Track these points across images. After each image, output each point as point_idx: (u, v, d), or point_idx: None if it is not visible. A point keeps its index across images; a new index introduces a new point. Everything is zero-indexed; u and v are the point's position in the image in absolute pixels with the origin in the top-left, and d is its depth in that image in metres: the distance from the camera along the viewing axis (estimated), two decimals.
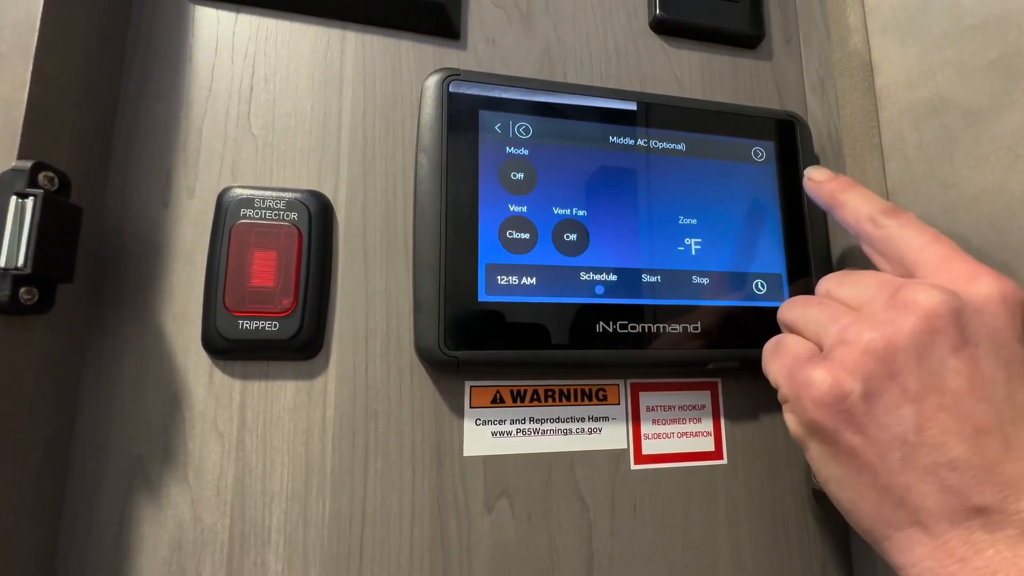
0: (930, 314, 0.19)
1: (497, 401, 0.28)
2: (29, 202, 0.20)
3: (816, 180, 0.27)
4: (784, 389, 0.22)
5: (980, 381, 0.19)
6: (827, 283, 0.24)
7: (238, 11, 0.29)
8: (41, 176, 0.20)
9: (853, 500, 0.21)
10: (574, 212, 0.29)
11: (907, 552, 0.19)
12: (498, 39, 0.32)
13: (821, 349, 0.22)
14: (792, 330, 0.24)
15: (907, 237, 0.23)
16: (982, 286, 0.20)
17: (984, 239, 0.26)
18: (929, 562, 0.19)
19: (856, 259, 0.32)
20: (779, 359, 0.23)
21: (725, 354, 0.29)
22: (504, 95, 0.29)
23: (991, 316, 0.20)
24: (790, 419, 0.23)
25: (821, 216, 0.34)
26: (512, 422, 0.28)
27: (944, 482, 0.18)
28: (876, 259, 0.24)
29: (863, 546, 0.31)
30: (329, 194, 0.28)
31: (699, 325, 0.29)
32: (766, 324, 0.27)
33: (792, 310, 0.25)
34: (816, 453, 0.22)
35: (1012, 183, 0.25)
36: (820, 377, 0.20)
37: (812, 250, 0.32)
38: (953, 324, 0.19)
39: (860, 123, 0.32)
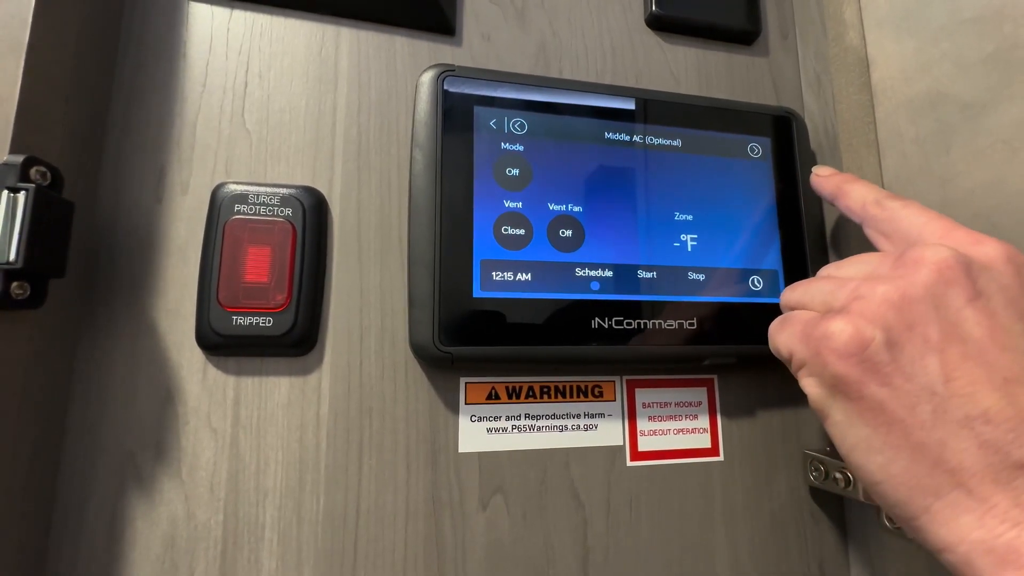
0: (941, 266, 0.19)
1: (492, 397, 0.28)
2: (21, 196, 0.20)
3: (821, 175, 0.29)
4: (800, 351, 0.22)
5: (1000, 330, 0.18)
6: (827, 268, 0.24)
7: (232, 7, 0.29)
8: (33, 171, 0.20)
9: (885, 465, 0.19)
10: (569, 208, 0.29)
11: (951, 524, 0.18)
12: (493, 35, 0.32)
13: None
14: (797, 308, 0.24)
15: (910, 216, 0.23)
16: (987, 247, 0.20)
17: (981, 232, 0.25)
18: (979, 532, 0.17)
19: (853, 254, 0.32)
20: (789, 327, 0.23)
21: (721, 350, 0.29)
22: (499, 91, 0.29)
23: (999, 273, 0.20)
24: (810, 383, 0.22)
25: (817, 212, 0.34)
26: (507, 419, 0.28)
27: (981, 436, 0.17)
28: (879, 240, 0.24)
29: (861, 543, 0.31)
30: (324, 190, 0.28)
31: (695, 321, 0.29)
32: (763, 320, 0.27)
33: (795, 291, 0.25)
34: (840, 416, 0.20)
35: (1009, 177, 0.25)
36: (840, 327, 0.20)
37: (808, 246, 0.32)
38: (964, 275, 0.19)
39: (856, 118, 0.32)
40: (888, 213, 0.24)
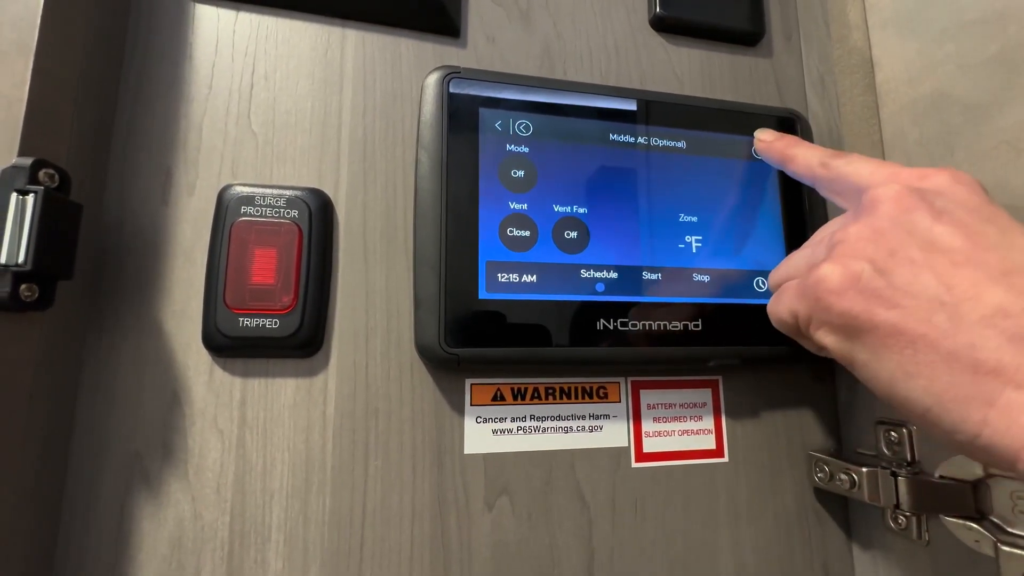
0: (896, 197, 0.21)
1: (498, 399, 0.28)
2: (29, 199, 0.20)
3: (765, 140, 0.29)
4: (801, 307, 0.23)
5: (975, 235, 0.19)
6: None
7: (238, 9, 0.29)
8: (41, 173, 0.20)
9: (928, 387, 0.18)
10: (574, 210, 0.29)
11: (1013, 427, 0.16)
12: (498, 37, 0.32)
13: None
14: (784, 281, 0.26)
15: (856, 169, 0.24)
16: (933, 178, 0.21)
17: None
18: None
19: None
20: (784, 294, 0.24)
21: (726, 351, 0.29)
22: (504, 92, 0.29)
23: (952, 193, 0.21)
24: (823, 333, 0.22)
25: (822, 213, 0.34)
26: (513, 420, 0.28)
27: (1007, 331, 0.17)
28: (836, 199, 0.26)
29: (865, 544, 0.31)
30: (329, 192, 0.28)
31: (700, 323, 0.29)
32: (767, 322, 0.27)
33: (778, 270, 0.27)
34: (865, 354, 0.20)
35: (1013, 178, 0.25)
36: (828, 269, 0.21)
37: None
38: (921, 200, 0.20)
39: (861, 119, 0.32)
40: (834, 171, 0.25)
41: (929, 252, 0.19)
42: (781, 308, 0.24)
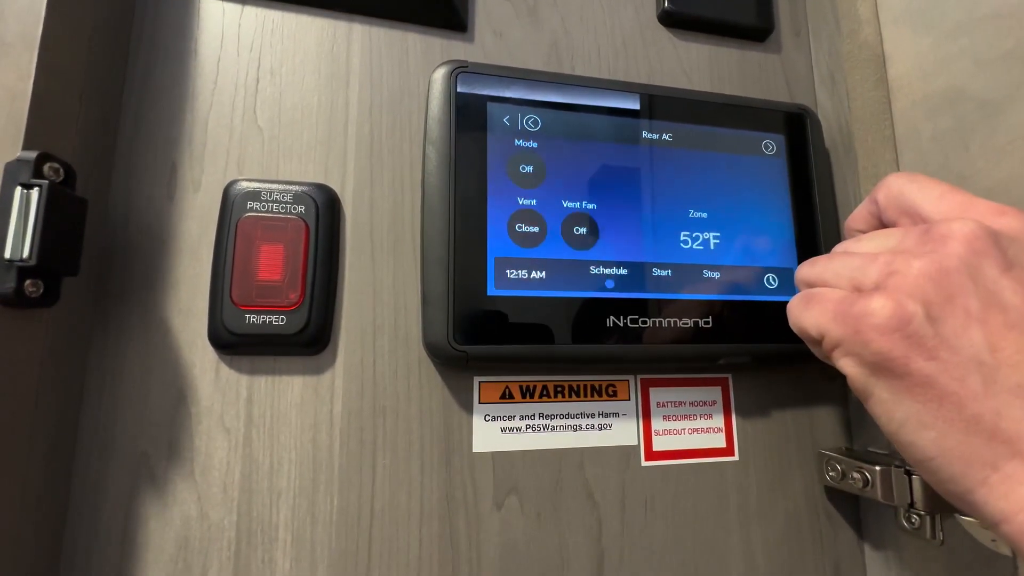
0: (971, 238, 0.19)
1: (506, 397, 0.28)
2: (34, 193, 0.19)
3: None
4: (835, 331, 0.21)
5: None
6: (844, 244, 0.23)
7: (244, 3, 0.28)
8: (46, 167, 0.20)
9: (938, 440, 0.18)
10: (583, 205, 0.28)
11: (1011, 495, 0.17)
12: (506, 32, 0.32)
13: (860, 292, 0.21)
14: (818, 285, 0.23)
15: (922, 189, 0.22)
16: (1010, 219, 0.20)
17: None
18: None
19: None
20: (818, 305, 0.22)
21: (736, 349, 0.29)
22: (513, 87, 0.29)
23: None
24: (848, 363, 0.21)
25: (832, 209, 0.33)
26: (521, 418, 0.28)
27: None
28: (892, 219, 0.23)
29: (877, 544, 0.31)
30: (336, 187, 0.28)
31: (710, 320, 0.29)
32: (778, 319, 0.27)
33: (815, 266, 0.23)
34: (886, 394, 0.19)
35: None
36: (880, 304, 0.19)
37: (824, 244, 0.31)
38: (994, 246, 0.19)
39: (872, 115, 0.31)
40: (896, 189, 0.23)
41: (987, 306, 0.18)
42: (808, 321, 0.22)
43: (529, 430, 0.28)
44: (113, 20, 0.25)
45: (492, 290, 0.26)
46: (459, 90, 0.28)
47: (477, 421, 0.27)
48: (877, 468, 0.28)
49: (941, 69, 0.28)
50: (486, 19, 0.32)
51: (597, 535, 0.28)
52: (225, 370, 0.25)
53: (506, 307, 0.26)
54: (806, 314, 0.22)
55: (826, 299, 0.22)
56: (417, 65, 0.30)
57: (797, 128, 0.33)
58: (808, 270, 0.24)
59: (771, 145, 0.32)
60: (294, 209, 0.26)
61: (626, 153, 0.30)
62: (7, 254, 0.19)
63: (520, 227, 0.27)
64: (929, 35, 0.28)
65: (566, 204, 0.28)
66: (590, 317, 0.27)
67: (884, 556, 0.30)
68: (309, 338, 0.25)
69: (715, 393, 0.31)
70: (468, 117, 0.28)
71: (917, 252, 0.20)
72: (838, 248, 0.24)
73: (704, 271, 0.30)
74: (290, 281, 0.25)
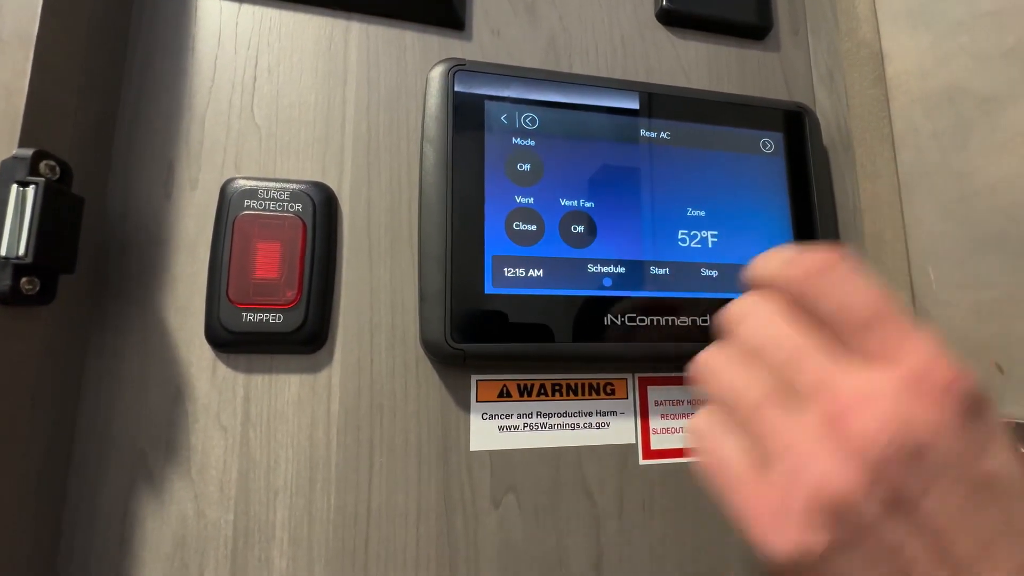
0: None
1: (504, 395, 0.28)
2: (30, 190, 0.19)
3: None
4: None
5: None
6: (747, 324, 0.17)
7: (241, 2, 0.28)
8: (42, 165, 0.20)
9: None
10: (581, 204, 0.28)
11: None
12: (503, 30, 0.32)
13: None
14: (715, 387, 0.18)
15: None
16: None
17: (1000, 228, 0.25)
18: None
19: (870, 251, 0.32)
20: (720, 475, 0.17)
21: None
22: (510, 85, 0.29)
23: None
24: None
25: (831, 207, 0.33)
26: (519, 416, 0.28)
27: None
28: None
29: None
30: (333, 186, 0.27)
31: (708, 318, 0.29)
32: None
33: (715, 369, 0.18)
34: None
35: None
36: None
37: (822, 242, 0.31)
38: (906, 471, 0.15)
39: (870, 113, 0.31)
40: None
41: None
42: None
43: (527, 428, 0.28)
44: (110, 18, 0.25)
45: (490, 288, 0.26)
46: (457, 88, 0.28)
47: (475, 419, 0.27)
48: None
49: (940, 66, 0.28)
50: (484, 17, 0.31)
51: (595, 533, 0.28)
52: (222, 368, 0.25)
53: (504, 305, 0.26)
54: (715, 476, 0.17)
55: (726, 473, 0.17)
56: (415, 63, 0.30)
57: (795, 126, 0.33)
58: (711, 365, 0.18)
59: (769, 143, 0.32)
60: (291, 207, 0.26)
61: (624, 151, 0.30)
62: (3, 251, 0.19)
63: (518, 225, 0.27)
64: (928, 33, 0.28)
65: (564, 202, 0.28)
66: (588, 315, 0.27)
67: None
68: (306, 336, 0.25)
69: None
70: (466, 115, 0.28)
71: (812, 458, 0.15)
72: (737, 319, 0.18)
73: (702, 269, 0.29)
74: (287, 279, 0.25)
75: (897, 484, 0.15)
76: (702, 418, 0.17)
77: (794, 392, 0.16)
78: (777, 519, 0.15)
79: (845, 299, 0.16)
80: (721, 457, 0.17)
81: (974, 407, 0.15)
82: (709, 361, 0.18)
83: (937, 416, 0.15)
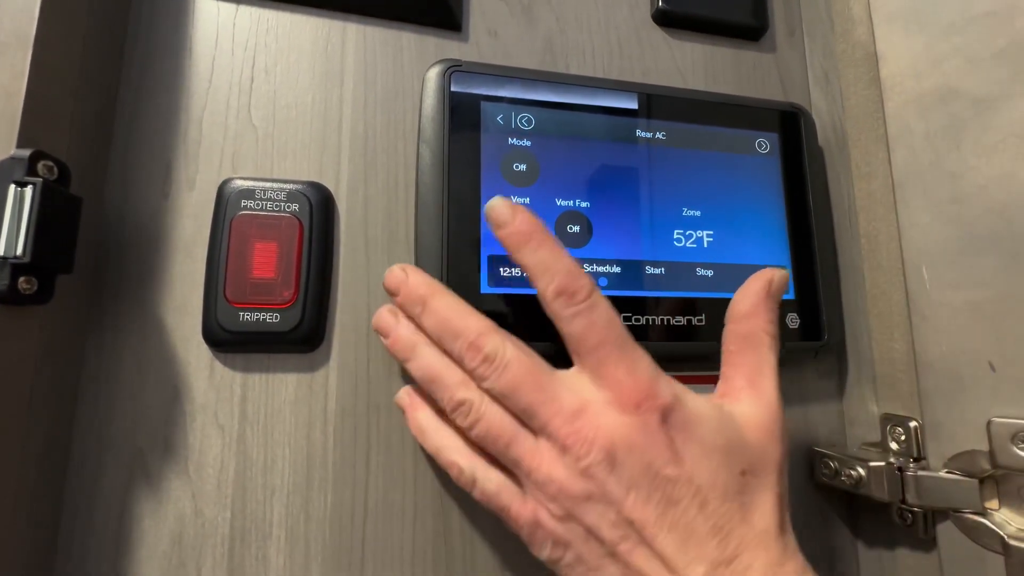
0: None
1: None
2: (28, 190, 0.19)
3: (498, 225, 0.23)
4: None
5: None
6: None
7: (238, 2, 0.28)
8: (40, 165, 0.20)
9: None
10: (577, 204, 0.29)
11: None
12: (500, 31, 0.32)
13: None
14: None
15: (579, 338, 0.22)
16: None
17: (993, 229, 0.25)
18: None
19: (866, 251, 0.32)
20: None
21: None
22: (506, 86, 0.29)
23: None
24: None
25: (826, 208, 0.33)
26: None
27: None
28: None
29: (871, 541, 0.31)
30: (330, 186, 0.28)
31: (703, 317, 0.29)
32: None
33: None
34: None
35: (1021, 171, 0.25)
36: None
37: (817, 242, 0.32)
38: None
39: (865, 114, 0.32)
40: (565, 328, 0.22)
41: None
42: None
43: None
44: (108, 19, 0.25)
45: (485, 288, 0.26)
46: (453, 89, 0.28)
47: None
48: (870, 464, 0.28)
49: (934, 68, 0.28)
50: (480, 18, 0.32)
51: None
52: (219, 367, 0.25)
53: (499, 305, 0.26)
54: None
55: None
56: (411, 64, 0.30)
57: (791, 127, 0.33)
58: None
59: (765, 144, 0.32)
60: (288, 207, 0.26)
61: (620, 151, 0.30)
62: (1, 251, 0.19)
63: None
64: (922, 34, 0.29)
65: (560, 202, 0.28)
66: None
67: (878, 553, 0.31)
68: (303, 336, 0.25)
69: (709, 391, 0.31)
70: (462, 116, 0.28)
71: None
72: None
73: (698, 269, 0.30)
74: (284, 279, 0.25)
75: (604, 489, 0.20)
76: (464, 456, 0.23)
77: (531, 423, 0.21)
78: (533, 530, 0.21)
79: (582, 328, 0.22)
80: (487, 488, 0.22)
81: (664, 415, 0.21)
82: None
83: (634, 425, 0.20)
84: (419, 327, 0.24)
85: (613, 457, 0.20)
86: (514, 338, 0.23)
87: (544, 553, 0.21)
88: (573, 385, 0.22)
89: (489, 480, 0.22)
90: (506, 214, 0.23)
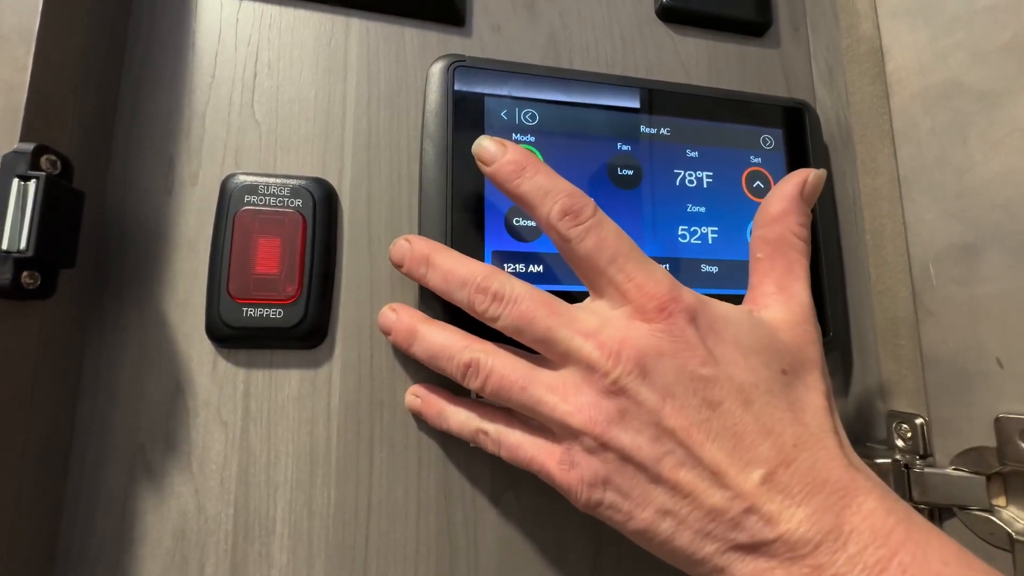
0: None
1: None
2: (31, 185, 0.19)
3: (486, 162, 0.23)
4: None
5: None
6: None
7: None
8: (43, 159, 0.20)
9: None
10: None
11: None
12: (503, 26, 0.32)
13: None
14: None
15: (590, 256, 0.21)
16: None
17: (999, 223, 0.25)
18: None
19: (871, 247, 0.32)
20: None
21: None
22: (510, 81, 0.29)
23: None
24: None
25: (831, 204, 0.33)
26: None
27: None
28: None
29: None
30: (334, 181, 0.28)
31: None
32: None
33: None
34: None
35: None
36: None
37: (822, 238, 0.31)
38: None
39: (870, 110, 0.31)
40: (568, 248, 0.21)
41: None
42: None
43: None
44: (110, 13, 0.25)
45: None
46: (456, 84, 0.28)
47: None
48: (876, 462, 0.28)
49: (939, 62, 0.28)
50: (484, 13, 0.32)
51: (595, 530, 0.28)
52: (222, 363, 0.25)
53: None
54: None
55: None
56: (414, 59, 0.30)
57: (795, 123, 0.33)
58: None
59: (770, 140, 0.32)
60: (291, 203, 0.26)
61: (624, 147, 0.30)
62: (4, 245, 0.19)
63: (518, 221, 0.27)
64: (927, 28, 0.28)
65: None
66: None
67: None
68: (306, 331, 0.25)
69: None
70: (465, 111, 0.28)
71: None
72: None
73: (702, 265, 0.29)
74: (287, 274, 0.25)
75: (638, 400, 0.18)
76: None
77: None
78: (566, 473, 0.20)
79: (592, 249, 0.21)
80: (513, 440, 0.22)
81: (691, 316, 0.20)
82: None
83: (661, 330, 0.19)
84: (426, 287, 0.24)
85: (643, 365, 0.18)
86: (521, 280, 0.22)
87: (582, 497, 0.20)
88: (590, 308, 0.21)
89: (512, 434, 0.21)
90: (495, 148, 0.22)
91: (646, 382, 0.18)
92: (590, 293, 0.22)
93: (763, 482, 0.17)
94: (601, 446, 0.19)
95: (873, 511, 0.17)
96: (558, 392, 0.20)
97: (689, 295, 0.20)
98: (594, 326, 0.20)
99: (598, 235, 0.21)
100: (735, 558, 0.17)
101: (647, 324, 0.19)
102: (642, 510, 0.19)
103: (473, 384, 0.22)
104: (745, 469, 0.17)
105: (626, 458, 0.18)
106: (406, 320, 0.24)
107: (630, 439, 0.18)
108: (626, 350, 0.19)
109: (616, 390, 0.19)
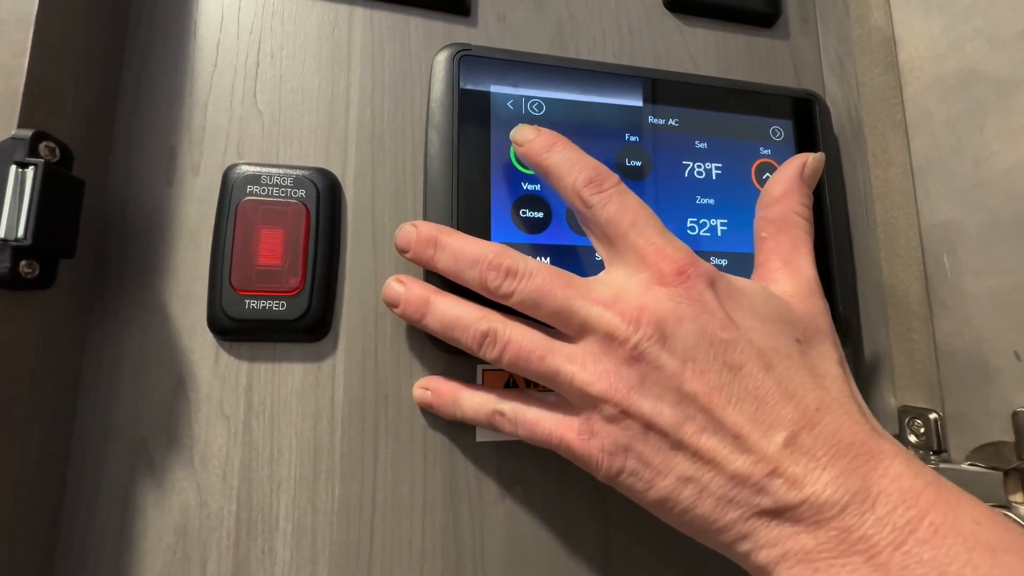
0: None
1: (510, 385, 0.27)
2: (29, 171, 0.19)
3: (520, 143, 0.24)
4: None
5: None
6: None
7: None
8: (42, 146, 0.20)
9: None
10: None
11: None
12: (509, 15, 0.31)
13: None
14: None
15: (612, 222, 0.21)
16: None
17: (1018, 214, 0.25)
18: None
19: (883, 240, 0.31)
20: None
21: None
22: (516, 71, 0.28)
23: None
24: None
25: (841, 196, 0.33)
26: None
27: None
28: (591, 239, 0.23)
29: None
30: (337, 172, 0.27)
31: None
32: None
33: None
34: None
35: None
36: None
37: (832, 230, 0.31)
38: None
39: (882, 100, 0.31)
40: (591, 214, 0.22)
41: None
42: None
43: None
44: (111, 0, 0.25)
45: None
46: (462, 74, 0.27)
47: None
48: None
49: (955, 50, 0.27)
50: (490, 3, 0.31)
51: (603, 526, 0.27)
52: (224, 356, 0.25)
53: None
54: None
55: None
56: (419, 49, 0.29)
57: (805, 114, 0.32)
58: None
59: (779, 131, 0.32)
60: (294, 193, 0.25)
61: (632, 138, 0.29)
62: (1, 233, 0.19)
63: (524, 212, 0.27)
64: (942, 16, 0.28)
65: None
66: None
67: None
68: (310, 324, 0.25)
69: None
70: (471, 101, 0.27)
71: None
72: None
73: (711, 258, 0.29)
74: (290, 266, 0.25)
75: (658, 365, 0.18)
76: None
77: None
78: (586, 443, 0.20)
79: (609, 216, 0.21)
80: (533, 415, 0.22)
81: (710, 281, 0.20)
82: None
83: (681, 295, 0.19)
84: (434, 270, 0.23)
85: (663, 330, 0.18)
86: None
87: (603, 466, 0.20)
88: (606, 279, 0.21)
89: (529, 411, 0.21)
90: (530, 131, 0.24)
91: (666, 347, 0.18)
92: (606, 265, 0.22)
93: (786, 444, 0.17)
94: (622, 413, 0.18)
95: (901, 474, 0.17)
96: (577, 361, 0.20)
97: (706, 264, 0.21)
98: (611, 295, 0.20)
99: (620, 200, 0.21)
100: (759, 524, 0.17)
101: (665, 288, 0.19)
102: (663, 478, 0.18)
103: (490, 354, 0.21)
104: (768, 432, 0.17)
105: (647, 425, 0.18)
106: (417, 291, 0.23)
107: (651, 405, 0.18)
108: (645, 315, 0.19)
109: (636, 356, 0.18)
